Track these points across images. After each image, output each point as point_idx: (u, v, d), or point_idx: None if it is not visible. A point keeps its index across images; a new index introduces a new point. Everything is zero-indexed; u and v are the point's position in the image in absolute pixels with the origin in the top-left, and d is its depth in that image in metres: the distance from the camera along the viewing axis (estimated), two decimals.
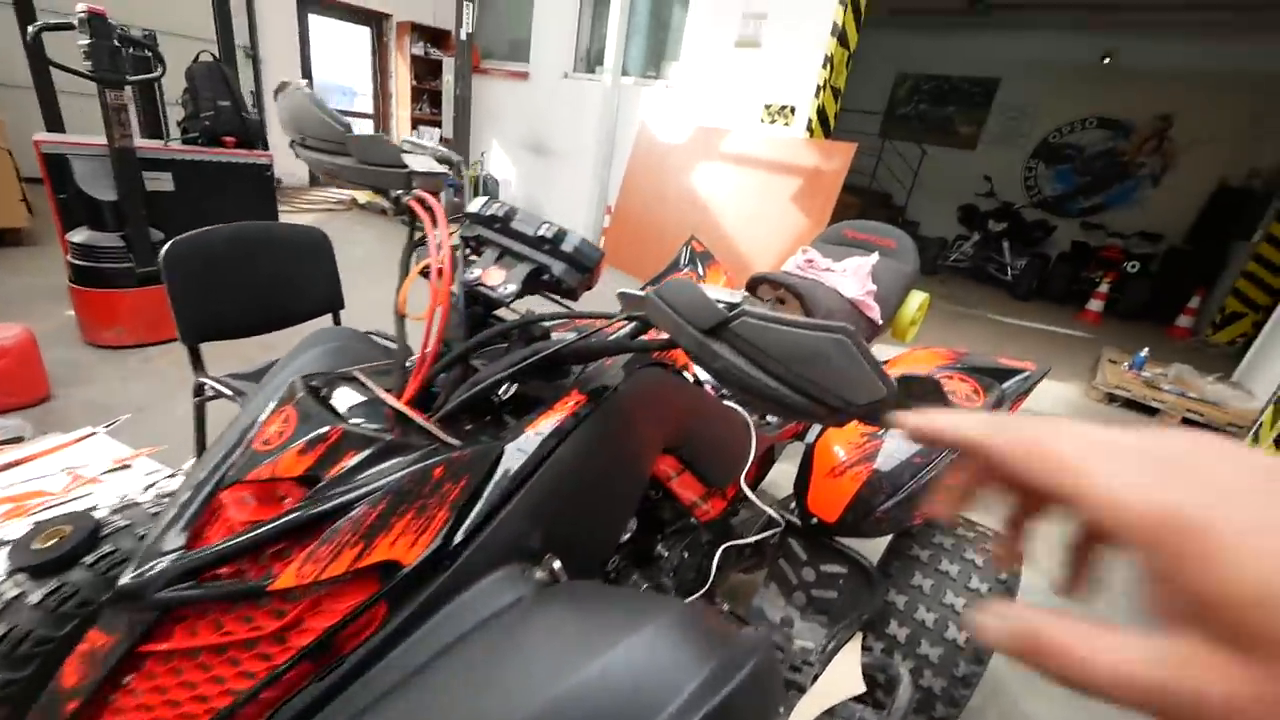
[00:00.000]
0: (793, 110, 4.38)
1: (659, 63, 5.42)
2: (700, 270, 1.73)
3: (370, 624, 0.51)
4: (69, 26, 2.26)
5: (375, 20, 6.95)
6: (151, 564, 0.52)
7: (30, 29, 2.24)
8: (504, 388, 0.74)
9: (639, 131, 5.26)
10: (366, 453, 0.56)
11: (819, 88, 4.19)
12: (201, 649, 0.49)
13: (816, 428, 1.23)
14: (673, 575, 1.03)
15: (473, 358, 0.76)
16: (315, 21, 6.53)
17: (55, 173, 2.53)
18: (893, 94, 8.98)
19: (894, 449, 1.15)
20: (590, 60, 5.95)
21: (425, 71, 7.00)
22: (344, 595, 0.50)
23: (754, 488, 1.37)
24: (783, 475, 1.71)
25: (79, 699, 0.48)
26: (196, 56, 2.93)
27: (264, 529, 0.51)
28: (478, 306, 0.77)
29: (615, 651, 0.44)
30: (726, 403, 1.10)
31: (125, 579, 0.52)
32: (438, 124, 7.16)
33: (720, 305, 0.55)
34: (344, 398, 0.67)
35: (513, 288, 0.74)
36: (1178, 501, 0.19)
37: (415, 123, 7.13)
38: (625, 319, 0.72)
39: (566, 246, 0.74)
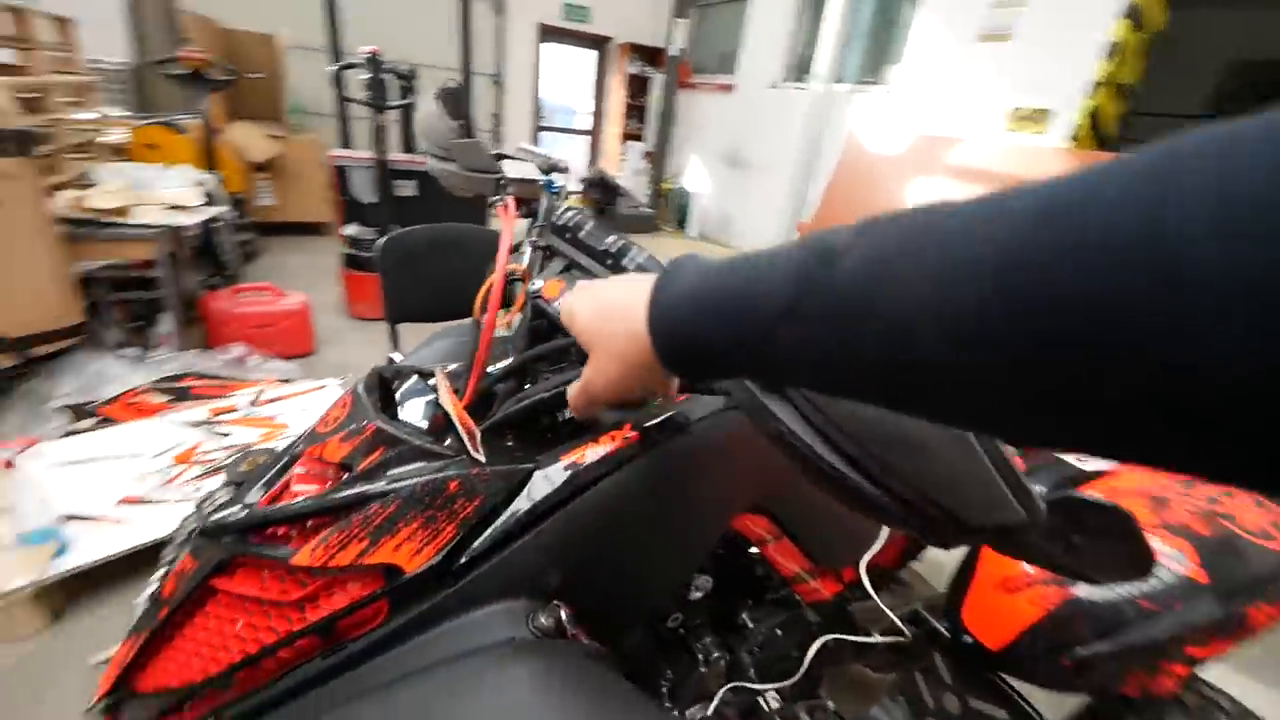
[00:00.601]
0: (1048, 115, 3.62)
1: (878, 67, 4.95)
2: None
3: (373, 619, 0.50)
4: (356, 65, 2.79)
5: (601, 43, 7.57)
6: (231, 511, 0.57)
7: (329, 69, 2.80)
8: (557, 414, 0.67)
9: (847, 141, 4.86)
10: (393, 452, 0.57)
11: (1096, 85, 3.39)
12: (247, 597, 0.52)
13: None
14: (757, 651, 0.88)
15: (544, 373, 0.69)
16: (549, 49, 7.35)
17: (339, 180, 3.18)
18: (1219, 91, 6.92)
19: None
20: (800, 68, 5.70)
21: (637, 89, 7.41)
22: (351, 585, 0.50)
23: (899, 567, 1.11)
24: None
25: (168, 608, 0.54)
26: (444, 84, 3.41)
27: (296, 505, 0.54)
28: (541, 320, 0.68)
29: None
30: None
31: (212, 518, 0.57)
32: (640, 138, 7.53)
33: None
34: (411, 392, 0.69)
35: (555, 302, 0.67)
36: (570, 302, 0.46)
37: (624, 138, 7.59)
38: None
39: (628, 263, 0.68)
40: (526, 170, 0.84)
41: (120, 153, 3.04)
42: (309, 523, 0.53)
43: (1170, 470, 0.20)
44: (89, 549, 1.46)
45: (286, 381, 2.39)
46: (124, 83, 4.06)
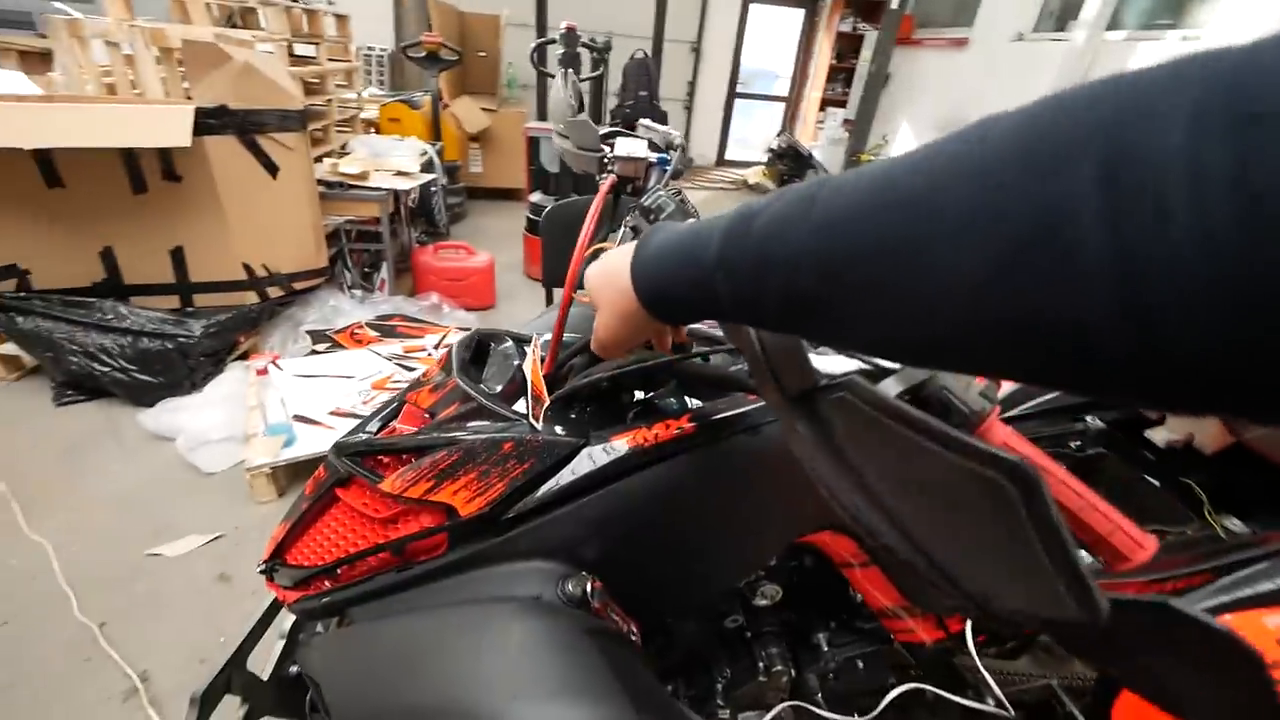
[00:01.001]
0: None
1: (1179, 7, 3.83)
2: None
3: (435, 550, 0.58)
4: (553, 40, 2.99)
5: (811, 1, 7.04)
6: (357, 437, 0.70)
7: (531, 45, 3.05)
8: (633, 394, 0.70)
9: None
10: (465, 407, 0.65)
11: None
12: (354, 508, 0.62)
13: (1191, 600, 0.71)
14: (830, 677, 0.84)
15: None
16: (755, 10, 7.04)
17: (530, 150, 3.49)
18: None
19: None
20: (1061, 15, 4.66)
21: (847, 49, 6.78)
22: (421, 515, 0.59)
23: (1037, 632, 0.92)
24: None
25: (306, 504, 0.67)
26: (632, 55, 3.50)
27: (388, 440, 0.65)
28: None
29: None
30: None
31: (340, 438, 0.69)
32: (844, 104, 6.91)
33: (818, 367, 0.43)
34: (502, 355, 0.77)
35: None
36: (589, 269, 0.53)
37: (823, 104, 7.05)
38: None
39: None
40: (634, 148, 0.84)
41: (371, 126, 3.71)
42: (402, 457, 0.61)
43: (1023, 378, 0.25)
44: (306, 444, 1.87)
45: (465, 330, 2.76)
46: (383, 65, 4.90)
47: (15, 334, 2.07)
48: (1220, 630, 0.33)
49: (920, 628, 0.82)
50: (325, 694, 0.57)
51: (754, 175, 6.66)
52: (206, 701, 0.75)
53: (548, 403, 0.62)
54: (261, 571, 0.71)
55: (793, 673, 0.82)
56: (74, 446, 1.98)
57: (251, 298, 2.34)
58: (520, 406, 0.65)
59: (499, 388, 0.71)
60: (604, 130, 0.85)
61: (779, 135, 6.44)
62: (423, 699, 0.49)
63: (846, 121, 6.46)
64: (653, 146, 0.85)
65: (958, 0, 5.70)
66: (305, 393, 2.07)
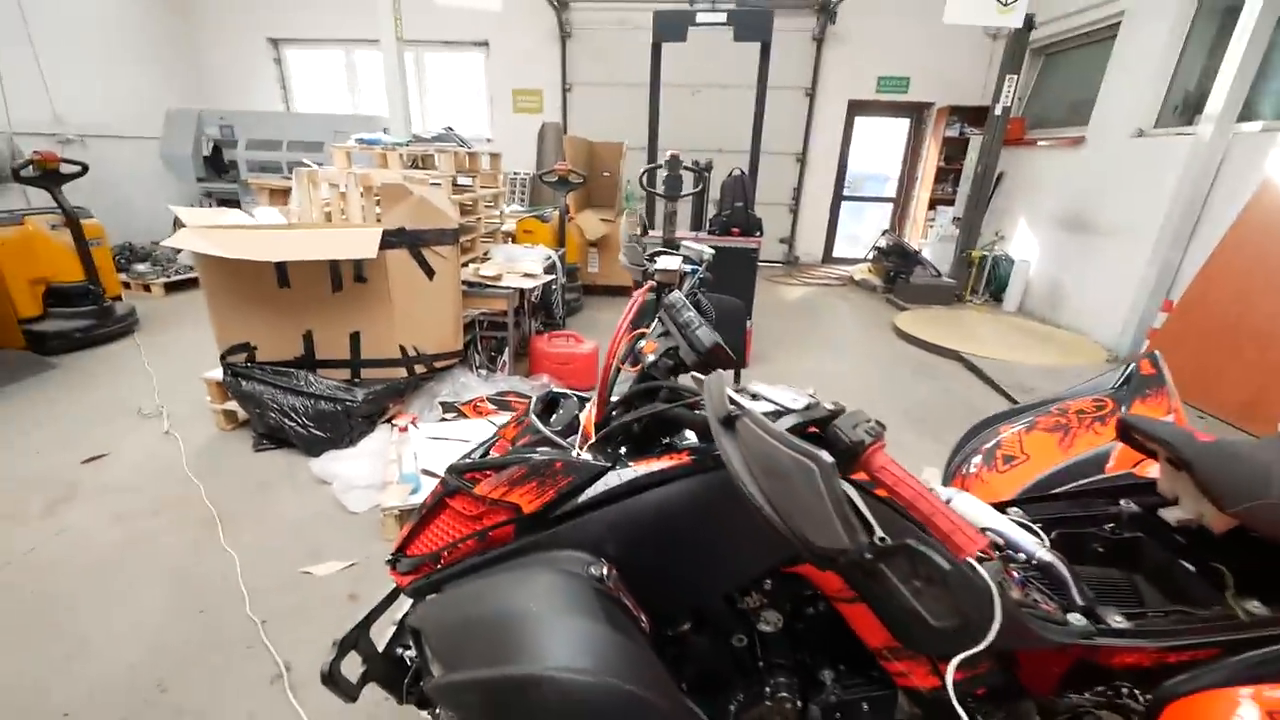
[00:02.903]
0: None
1: None
2: (1132, 398, 1.23)
3: (506, 538, 0.83)
4: (660, 166, 3.54)
5: (916, 110, 7.38)
6: (464, 459, 0.96)
7: (641, 171, 3.62)
8: (660, 439, 0.94)
9: (1257, 194, 3.66)
10: (534, 438, 0.93)
11: None
12: (455, 511, 0.88)
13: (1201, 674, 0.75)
14: (837, 717, 0.94)
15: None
16: (862, 121, 7.50)
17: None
18: None
19: None
20: (1186, 109, 4.53)
21: (955, 151, 6.93)
22: (498, 514, 0.83)
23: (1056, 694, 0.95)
24: None
25: (424, 511, 0.96)
26: (730, 173, 3.98)
27: (481, 460, 0.93)
28: (654, 368, 0.97)
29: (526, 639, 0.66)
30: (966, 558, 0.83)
31: (454, 462, 0.97)
32: (953, 202, 6.94)
33: (731, 401, 0.66)
34: (566, 407, 1.06)
35: (651, 359, 0.96)
36: None
37: (933, 203, 7.14)
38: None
39: (691, 333, 0.91)
40: (668, 263, 1.14)
41: (509, 236, 4.47)
42: (491, 473, 0.88)
43: None
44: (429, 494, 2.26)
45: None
46: (524, 187, 5.90)
47: (238, 394, 2.76)
48: (944, 562, 0.51)
49: (914, 672, 0.89)
50: (427, 639, 0.81)
51: (860, 272, 6.79)
52: (342, 647, 1.03)
53: (593, 439, 0.89)
54: (388, 562, 1.00)
55: (799, 703, 0.93)
56: (263, 484, 2.54)
57: (402, 373, 2.91)
58: (573, 441, 0.92)
59: (559, 428, 0.99)
60: (650, 250, 1.16)
61: (884, 234, 6.61)
62: (492, 622, 0.71)
63: (956, 219, 6.47)
64: (689, 260, 1.14)
65: (1073, 101, 5.72)
66: (433, 451, 2.50)
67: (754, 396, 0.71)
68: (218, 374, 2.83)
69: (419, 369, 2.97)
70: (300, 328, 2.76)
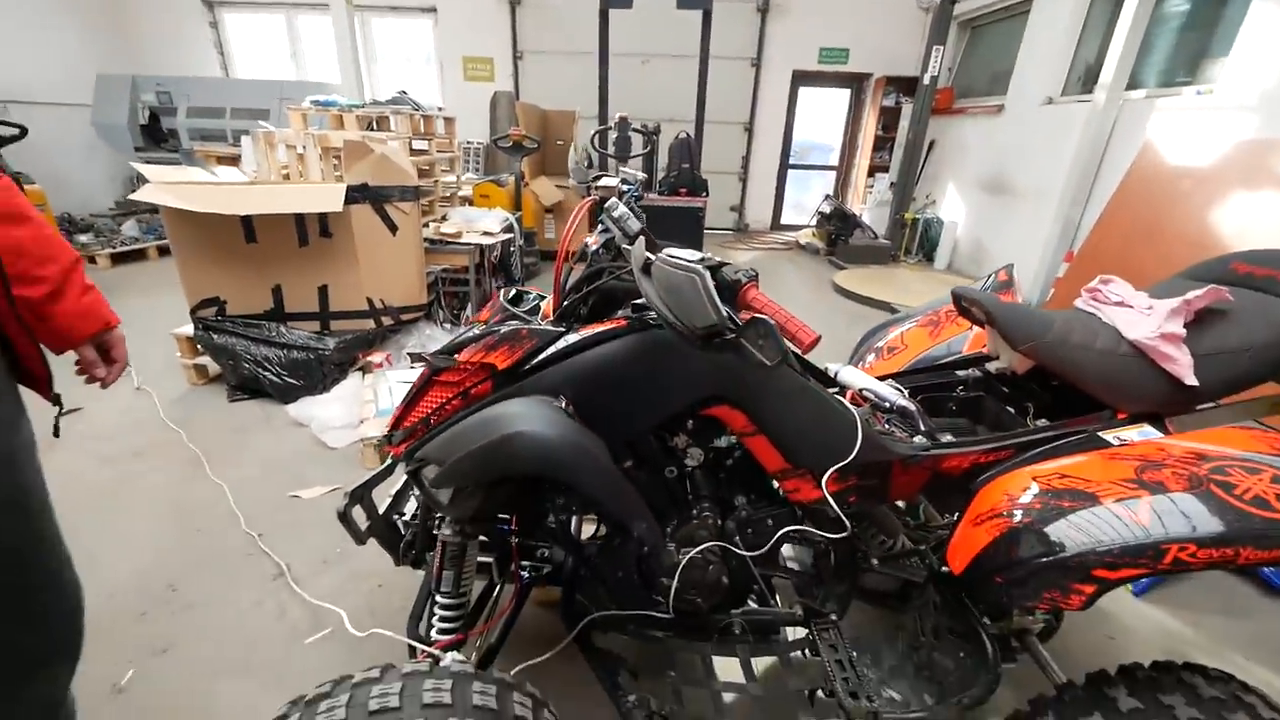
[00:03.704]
0: None
1: (1194, 66, 4.11)
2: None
3: (485, 393, 1.05)
4: (610, 128, 3.76)
5: (856, 81, 7.76)
6: (456, 340, 1.18)
7: (592, 132, 3.83)
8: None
9: (1139, 155, 4.15)
10: (504, 316, 1.18)
11: None
12: (442, 383, 1.09)
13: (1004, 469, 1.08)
14: (747, 531, 1.20)
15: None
16: (805, 92, 7.84)
17: (592, 218, 4.20)
18: None
19: (1052, 507, 0.90)
20: (1085, 79, 5.02)
21: (891, 120, 7.35)
22: (478, 374, 1.04)
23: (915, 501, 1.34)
24: None
25: (414, 390, 1.14)
26: (676, 136, 4.23)
27: (464, 335, 1.12)
28: (597, 257, 1.23)
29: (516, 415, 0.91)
30: (838, 397, 1.13)
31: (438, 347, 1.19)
32: (889, 169, 7.40)
33: (647, 256, 0.89)
34: (530, 299, 1.29)
35: (594, 249, 1.21)
36: None
37: (872, 170, 7.58)
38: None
39: (624, 224, 1.10)
40: (609, 181, 1.40)
41: (466, 201, 4.62)
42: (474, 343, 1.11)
43: None
44: None
45: None
46: (479, 155, 5.99)
47: (210, 347, 2.89)
48: (767, 321, 0.81)
49: (801, 488, 1.17)
50: (427, 456, 1.06)
51: (805, 236, 7.18)
52: (352, 498, 1.28)
53: (552, 316, 1.15)
54: (382, 439, 1.25)
55: (719, 521, 1.21)
56: (241, 427, 2.71)
57: (370, 324, 3.08)
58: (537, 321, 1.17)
59: (525, 310, 1.25)
60: (595, 175, 1.41)
61: (827, 199, 7.00)
62: (481, 422, 0.96)
63: (891, 185, 6.92)
64: (626, 181, 1.40)
65: (994, 72, 6.18)
66: (402, 391, 2.71)
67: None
68: (187, 330, 2.94)
69: (386, 320, 3.15)
70: (269, 281, 2.89)
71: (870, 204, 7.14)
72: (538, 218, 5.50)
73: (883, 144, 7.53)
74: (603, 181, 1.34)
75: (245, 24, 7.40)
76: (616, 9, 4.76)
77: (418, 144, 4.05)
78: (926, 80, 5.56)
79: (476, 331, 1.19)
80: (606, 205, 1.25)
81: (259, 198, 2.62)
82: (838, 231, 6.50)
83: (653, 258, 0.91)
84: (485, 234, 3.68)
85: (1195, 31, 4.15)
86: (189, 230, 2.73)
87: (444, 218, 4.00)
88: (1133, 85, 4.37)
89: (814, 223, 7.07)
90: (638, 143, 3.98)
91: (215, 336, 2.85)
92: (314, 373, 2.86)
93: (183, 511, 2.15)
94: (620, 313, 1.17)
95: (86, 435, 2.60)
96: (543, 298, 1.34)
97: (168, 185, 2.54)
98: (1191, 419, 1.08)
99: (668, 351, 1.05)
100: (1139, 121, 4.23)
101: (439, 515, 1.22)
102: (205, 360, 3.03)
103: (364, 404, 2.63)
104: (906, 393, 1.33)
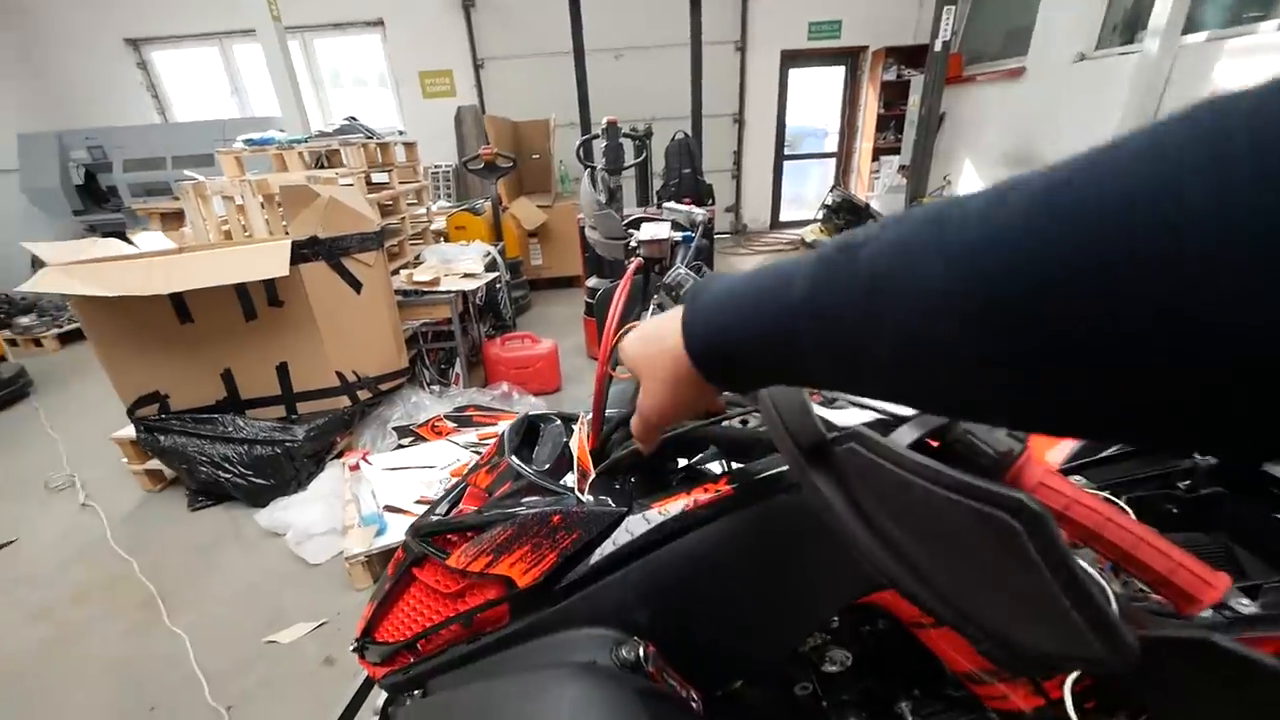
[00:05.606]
0: None
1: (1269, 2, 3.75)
2: None
3: (499, 621, 0.66)
4: (597, 136, 3.44)
5: (851, 56, 7.48)
6: (427, 517, 0.77)
7: (577, 142, 3.51)
8: (677, 461, 0.79)
9: None
10: (518, 485, 0.73)
11: None
12: (428, 585, 0.72)
13: None
14: None
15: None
16: (795, 75, 7.54)
17: (584, 239, 3.89)
18: None
19: None
20: (1126, 27, 4.72)
21: (893, 96, 7.06)
22: (485, 589, 0.67)
23: None
24: None
25: (389, 584, 0.77)
26: (673, 137, 3.91)
27: (452, 520, 0.72)
28: None
29: None
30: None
31: (414, 521, 0.76)
32: (898, 150, 7.10)
33: (823, 420, 0.48)
34: (550, 435, 0.86)
35: None
36: (625, 340, 0.53)
37: (876, 153, 7.28)
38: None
39: None
40: (657, 231, 1.02)
41: (440, 235, 4.29)
42: (467, 535, 0.68)
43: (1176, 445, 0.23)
44: (397, 533, 2.14)
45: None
46: (449, 180, 5.66)
47: (158, 451, 2.54)
48: (1269, 665, 0.34)
49: (1014, 694, 0.75)
50: None
51: (810, 233, 6.87)
52: None
53: (593, 475, 0.72)
54: (354, 649, 0.84)
55: None
56: (205, 546, 2.36)
57: (345, 401, 2.74)
58: (569, 480, 0.73)
59: (547, 465, 0.78)
60: (629, 218, 1.05)
61: (832, 190, 6.70)
62: None
63: (902, 168, 6.62)
64: (676, 226, 1.04)
65: (1008, 31, 5.90)
66: (393, 484, 2.37)
67: (831, 403, 0.59)
68: (129, 432, 2.60)
69: (363, 394, 2.81)
70: (216, 366, 2.55)
71: (879, 191, 6.85)
72: (522, 244, 5.18)
73: (885, 123, 7.23)
74: (647, 233, 0.98)
75: (177, 61, 7.06)
76: None
77: (377, 176, 3.72)
78: (938, 46, 5.25)
79: (472, 513, 0.75)
80: (667, 282, 0.89)
81: (184, 271, 2.27)
82: (848, 225, 6.20)
83: (845, 431, 0.44)
84: (467, 276, 3.35)
85: None
86: (107, 318, 2.38)
87: (418, 259, 3.67)
88: (1190, 28, 4.05)
89: (820, 217, 6.76)
90: (629, 151, 3.65)
91: (161, 438, 2.51)
92: (284, 469, 2.52)
93: (132, 679, 1.80)
94: (710, 463, 0.78)
95: (20, 579, 2.26)
96: (567, 422, 0.91)
97: (68, 267, 2.20)
98: None
99: (809, 529, 0.66)
100: (1202, 71, 3.91)
101: None
102: (159, 464, 2.68)
103: (345, 505, 2.29)
104: (1131, 514, 0.84)
